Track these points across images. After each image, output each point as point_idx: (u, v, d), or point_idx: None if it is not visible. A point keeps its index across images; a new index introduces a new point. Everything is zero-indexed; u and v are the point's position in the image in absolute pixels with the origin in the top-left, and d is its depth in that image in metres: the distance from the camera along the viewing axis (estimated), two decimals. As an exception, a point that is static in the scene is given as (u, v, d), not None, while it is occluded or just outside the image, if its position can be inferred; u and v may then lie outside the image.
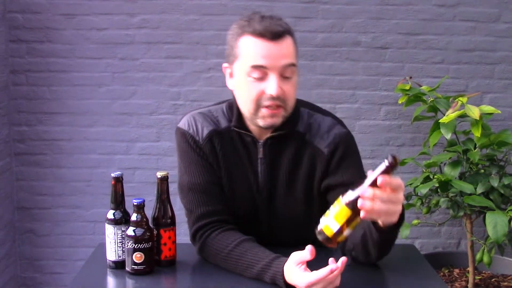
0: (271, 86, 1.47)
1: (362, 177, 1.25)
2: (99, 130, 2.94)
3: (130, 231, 1.46)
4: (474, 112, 2.33)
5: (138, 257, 1.45)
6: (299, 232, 1.63)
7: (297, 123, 1.61)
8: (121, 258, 1.50)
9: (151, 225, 1.50)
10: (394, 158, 1.20)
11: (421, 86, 2.68)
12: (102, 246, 1.61)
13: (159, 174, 1.51)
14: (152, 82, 2.92)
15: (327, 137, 1.59)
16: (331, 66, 2.93)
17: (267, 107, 1.49)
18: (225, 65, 1.58)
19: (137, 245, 1.45)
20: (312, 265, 1.32)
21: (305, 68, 2.87)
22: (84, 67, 2.89)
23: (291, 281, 1.35)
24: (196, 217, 1.57)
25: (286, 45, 1.49)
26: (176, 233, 1.54)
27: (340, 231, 1.24)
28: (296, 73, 1.52)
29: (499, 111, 2.42)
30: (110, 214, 1.51)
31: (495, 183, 2.36)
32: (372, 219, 1.28)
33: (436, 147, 2.68)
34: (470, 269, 2.60)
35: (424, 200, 2.56)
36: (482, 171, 2.50)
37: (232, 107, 1.61)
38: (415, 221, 2.70)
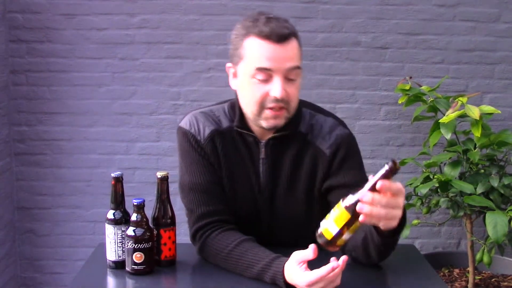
0: (276, 88, 1.47)
1: (363, 178, 1.25)
2: (99, 130, 2.94)
3: (130, 231, 1.46)
4: (474, 112, 2.33)
5: (138, 257, 1.45)
6: (299, 232, 1.63)
7: (299, 123, 1.61)
8: (121, 258, 1.50)
9: (151, 225, 1.50)
10: (394, 163, 1.21)
11: (421, 86, 2.68)
12: (102, 246, 1.61)
13: (159, 174, 1.51)
14: (152, 82, 2.92)
15: (329, 138, 1.59)
16: (331, 66, 2.93)
17: (270, 108, 1.49)
18: (228, 65, 1.58)
19: (137, 245, 1.45)
20: (313, 265, 1.32)
21: (305, 68, 2.84)
22: (84, 67, 2.89)
23: (292, 280, 1.35)
24: (196, 217, 1.57)
25: (291, 47, 1.48)
26: (176, 233, 1.54)
27: (339, 234, 1.25)
28: (300, 75, 1.52)
29: (499, 111, 2.42)
30: (110, 214, 1.51)
31: (495, 183, 2.36)
32: (372, 224, 1.28)
33: (436, 147, 2.68)
34: (470, 269, 2.60)
35: (424, 200, 2.56)
36: (482, 171, 2.50)
37: (234, 107, 1.61)
38: (415, 221, 2.70)
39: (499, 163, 2.53)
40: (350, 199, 1.24)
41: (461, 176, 2.51)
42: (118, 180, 1.50)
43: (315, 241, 1.30)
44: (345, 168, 1.58)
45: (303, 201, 1.61)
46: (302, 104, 1.62)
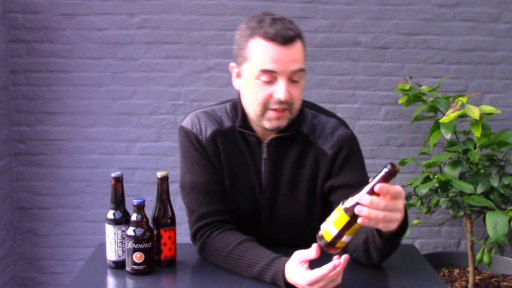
0: (280, 90, 1.47)
1: (365, 178, 1.25)
2: (99, 130, 2.94)
3: (130, 231, 1.46)
4: (474, 112, 2.33)
5: (138, 257, 1.45)
6: (299, 232, 1.63)
7: (302, 124, 1.61)
8: (121, 258, 1.50)
9: (151, 225, 1.50)
10: (393, 166, 1.21)
11: (421, 86, 2.68)
12: (102, 246, 1.61)
13: (159, 174, 1.50)
14: (152, 82, 2.92)
15: (331, 139, 1.60)
16: (331, 66, 2.93)
17: (273, 109, 1.49)
18: (232, 64, 1.57)
19: (137, 245, 1.45)
20: (313, 265, 1.32)
21: (306, 68, 2.86)
22: (84, 67, 2.89)
23: (292, 280, 1.35)
24: (197, 216, 1.57)
25: (296, 50, 1.48)
26: (176, 233, 1.54)
27: (338, 236, 1.25)
28: (304, 77, 1.52)
29: (499, 111, 2.42)
30: (110, 214, 1.51)
31: (495, 183, 2.36)
32: (371, 226, 1.28)
33: (436, 147, 2.68)
34: (470, 269, 2.60)
35: (424, 200, 2.56)
36: (482, 171, 2.50)
37: (236, 107, 1.61)
38: (415, 221, 2.70)
39: (499, 163, 2.53)
40: (349, 201, 1.24)
41: (461, 176, 2.51)
42: (118, 180, 1.50)
43: (315, 242, 1.30)
44: (347, 168, 1.58)
45: (304, 201, 1.62)
46: (305, 104, 1.62)
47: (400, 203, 1.25)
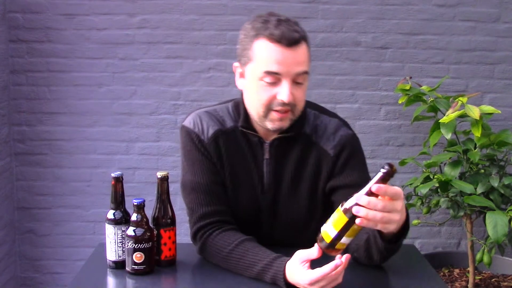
0: (283, 92, 1.47)
1: (367, 178, 1.25)
2: (99, 130, 2.94)
3: (130, 231, 1.46)
4: (474, 112, 2.33)
5: (138, 257, 1.45)
6: (299, 233, 1.63)
7: (304, 124, 1.61)
8: (121, 258, 1.50)
9: (151, 225, 1.50)
10: (391, 166, 1.21)
11: (421, 86, 2.68)
12: (102, 246, 1.61)
13: (159, 174, 1.50)
14: (152, 82, 2.92)
15: (333, 139, 1.60)
16: (331, 66, 2.93)
17: (276, 110, 1.49)
18: (235, 64, 1.57)
19: (137, 245, 1.45)
20: (315, 265, 1.32)
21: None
22: (84, 67, 2.89)
23: (293, 279, 1.35)
24: (197, 216, 1.57)
25: (301, 52, 1.48)
26: (176, 233, 1.54)
27: (337, 237, 1.25)
28: (307, 79, 1.52)
29: (499, 111, 2.42)
30: (110, 214, 1.51)
31: (495, 183, 2.36)
32: (369, 227, 1.27)
33: (436, 147, 2.68)
34: (470, 269, 2.60)
35: (424, 200, 2.56)
36: (482, 171, 2.50)
37: (238, 107, 1.61)
38: (415, 221, 2.70)
39: (499, 163, 2.53)
40: (348, 202, 1.24)
41: (461, 176, 2.51)
42: (118, 180, 1.50)
43: (315, 242, 1.30)
44: (348, 168, 1.58)
45: (306, 202, 1.62)
46: (307, 104, 1.62)
47: (399, 204, 1.24)
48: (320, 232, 1.28)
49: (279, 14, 1.51)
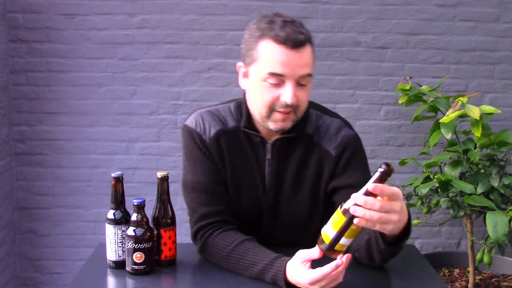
0: (287, 94, 1.46)
1: (368, 178, 1.24)
2: (99, 130, 2.94)
3: (130, 231, 1.46)
4: (474, 112, 2.33)
5: (138, 257, 1.45)
6: (299, 233, 1.63)
7: (306, 125, 1.61)
8: (121, 258, 1.50)
9: (151, 225, 1.50)
10: (388, 165, 1.20)
11: (421, 86, 2.68)
12: (102, 246, 1.61)
13: (159, 174, 1.50)
14: (152, 82, 2.92)
15: (335, 139, 1.60)
16: (331, 66, 2.93)
17: (279, 111, 1.49)
18: (239, 64, 1.56)
19: (137, 245, 1.45)
20: (316, 265, 1.32)
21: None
22: (84, 67, 2.89)
23: (294, 279, 1.35)
24: (198, 216, 1.57)
25: (306, 54, 1.48)
26: (176, 233, 1.54)
27: (336, 238, 1.24)
28: (311, 82, 1.52)
29: (499, 111, 2.42)
30: (110, 214, 1.51)
31: (495, 183, 2.36)
32: (367, 227, 1.27)
33: (436, 147, 2.68)
34: (470, 269, 2.60)
35: (424, 200, 2.56)
36: (482, 171, 2.50)
37: (241, 107, 1.61)
38: (415, 221, 2.69)
39: (499, 163, 2.53)
40: (347, 203, 1.24)
41: (461, 176, 2.51)
42: (118, 180, 1.50)
43: (316, 243, 1.30)
44: (350, 168, 1.58)
45: (307, 202, 1.62)
46: (309, 105, 1.61)
47: (397, 205, 1.23)
48: (321, 234, 1.28)
49: (284, 14, 1.51)
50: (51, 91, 2.91)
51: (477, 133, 2.36)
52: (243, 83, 1.57)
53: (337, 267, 1.27)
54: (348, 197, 1.25)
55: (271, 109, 1.49)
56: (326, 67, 2.92)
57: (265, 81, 1.47)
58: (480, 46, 2.93)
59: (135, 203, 1.46)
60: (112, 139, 2.95)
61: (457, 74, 2.95)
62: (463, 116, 2.39)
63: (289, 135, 1.57)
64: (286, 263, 1.37)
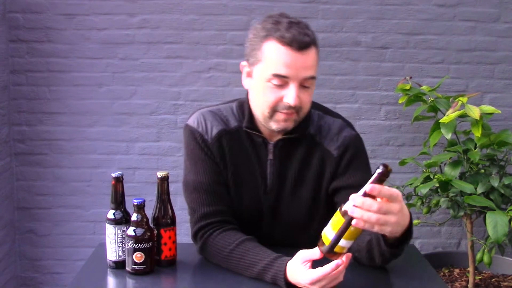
0: (290, 95, 1.46)
1: (369, 179, 1.24)
2: (99, 130, 2.94)
3: (131, 231, 1.46)
4: (474, 112, 2.33)
5: (138, 257, 1.45)
6: (300, 233, 1.63)
7: (308, 125, 1.61)
8: (121, 258, 1.50)
9: (151, 225, 1.50)
10: (385, 166, 1.20)
11: (421, 86, 2.68)
12: (102, 246, 1.61)
13: (160, 174, 1.50)
14: (152, 82, 2.92)
15: (337, 140, 1.60)
16: (331, 66, 2.93)
17: (282, 112, 1.49)
18: (243, 63, 1.56)
19: (138, 245, 1.45)
20: (316, 265, 1.32)
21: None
22: (84, 67, 2.89)
23: (294, 279, 1.34)
24: (199, 216, 1.57)
25: (311, 56, 1.48)
26: (176, 233, 1.54)
27: (336, 239, 1.24)
28: (314, 84, 1.52)
29: (499, 111, 2.42)
30: (110, 214, 1.51)
31: (495, 183, 2.36)
32: (366, 228, 1.27)
33: (436, 147, 2.68)
34: (470, 269, 2.60)
35: (424, 200, 2.56)
36: (483, 171, 2.50)
37: (243, 106, 1.61)
38: (415, 221, 2.69)
39: (499, 163, 2.53)
40: (347, 204, 1.24)
41: (462, 176, 2.51)
42: (118, 180, 1.50)
43: (316, 243, 1.30)
44: (352, 169, 1.58)
45: (308, 202, 1.61)
46: (311, 105, 1.61)
47: (395, 206, 1.22)
48: (321, 236, 1.28)
49: (290, 15, 1.51)
50: (51, 91, 2.91)
51: (477, 133, 2.36)
52: (246, 82, 1.57)
53: (337, 266, 1.27)
54: (349, 198, 1.25)
55: (274, 110, 1.49)
56: (326, 67, 2.92)
57: (269, 82, 1.47)
58: (480, 46, 2.93)
59: (135, 203, 1.46)
60: (112, 139, 2.95)
61: (457, 74, 2.95)
62: (463, 116, 2.39)
63: (291, 136, 1.57)
64: (287, 263, 1.37)
